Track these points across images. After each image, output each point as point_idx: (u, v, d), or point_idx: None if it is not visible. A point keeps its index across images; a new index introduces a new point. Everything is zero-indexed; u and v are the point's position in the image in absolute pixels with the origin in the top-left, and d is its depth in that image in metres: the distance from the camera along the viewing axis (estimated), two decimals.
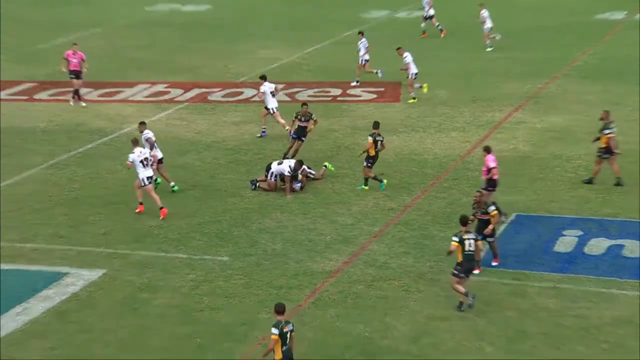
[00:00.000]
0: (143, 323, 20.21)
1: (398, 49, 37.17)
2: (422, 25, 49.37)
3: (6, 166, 29.95)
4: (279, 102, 32.96)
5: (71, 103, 36.52)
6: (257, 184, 27.86)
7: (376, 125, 27.82)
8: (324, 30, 50.45)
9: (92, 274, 22.45)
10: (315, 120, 30.13)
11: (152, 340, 19.56)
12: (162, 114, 35.04)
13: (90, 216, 26.05)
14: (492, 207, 22.56)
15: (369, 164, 27.43)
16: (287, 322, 17.26)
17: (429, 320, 20.24)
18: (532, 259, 23.14)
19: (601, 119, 27.76)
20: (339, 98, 37.42)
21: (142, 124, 28.09)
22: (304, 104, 30.56)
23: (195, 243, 24.22)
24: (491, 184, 24.90)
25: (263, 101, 32.65)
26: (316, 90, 38.60)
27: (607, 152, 27.51)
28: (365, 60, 39.22)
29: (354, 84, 38.98)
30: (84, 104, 36.58)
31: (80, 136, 31.94)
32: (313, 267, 22.82)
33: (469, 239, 20.49)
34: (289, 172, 27.29)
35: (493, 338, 19.50)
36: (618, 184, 27.44)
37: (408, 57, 36.33)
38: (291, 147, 30.15)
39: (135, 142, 26.25)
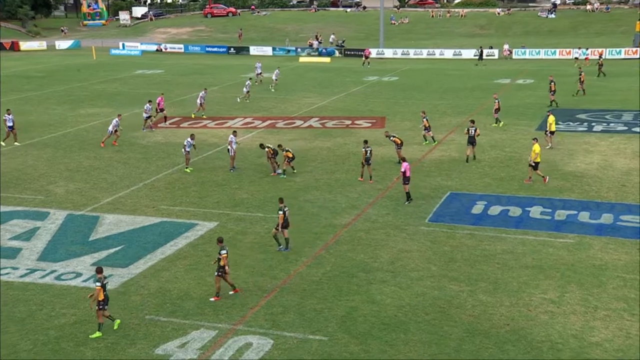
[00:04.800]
0: (239, 252, 20.31)
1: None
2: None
3: (165, 164, 30.11)
4: (313, 128, 32.49)
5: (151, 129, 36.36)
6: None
7: (365, 142, 27.29)
8: (341, 87, 50.23)
9: (211, 225, 22.56)
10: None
11: (244, 261, 19.68)
12: (249, 135, 35.16)
13: (209, 192, 26.13)
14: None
15: (368, 163, 26.97)
16: (105, 277, 15.63)
17: (400, 252, 20.25)
18: (459, 217, 23.01)
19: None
20: (349, 125, 37.40)
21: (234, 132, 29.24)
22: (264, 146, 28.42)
23: (268, 208, 24.22)
24: (406, 180, 24.08)
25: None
26: (336, 121, 38.49)
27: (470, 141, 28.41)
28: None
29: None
30: (165, 123, 37.01)
31: (204, 147, 32.13)
32: (335, 222, 22.83)
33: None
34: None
35: (436, 262, 19.50)
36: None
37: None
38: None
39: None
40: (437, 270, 18.98)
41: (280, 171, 27.89)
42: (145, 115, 36.52)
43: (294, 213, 23.53)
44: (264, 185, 26.91)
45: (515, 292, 17.61)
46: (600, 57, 56.43)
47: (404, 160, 24.74)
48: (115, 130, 33.20)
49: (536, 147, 26.26)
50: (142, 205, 24.72)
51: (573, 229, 21.72)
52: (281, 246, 20.37)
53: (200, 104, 39.26)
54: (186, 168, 28.95)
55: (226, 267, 17.13)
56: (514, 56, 68.74)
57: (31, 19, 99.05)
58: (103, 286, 15.57)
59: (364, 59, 65.58)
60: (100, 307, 15.63)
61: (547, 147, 31.62)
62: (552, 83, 41.10)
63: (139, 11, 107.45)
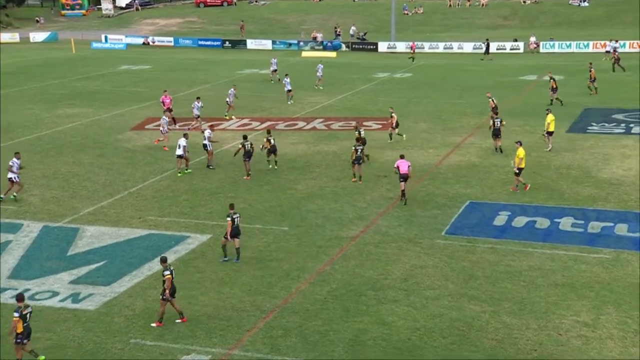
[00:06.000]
0: (235, 268, 20.35)
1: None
2: None
3: (152, 170, 30.22)
4: (318, 130, 32.91)
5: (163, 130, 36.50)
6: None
7: (358, 139, 28.64)
8: (348, 85, 50.36)
9: (203, 237, 22.60)
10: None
11: (240, 278, 19.72)
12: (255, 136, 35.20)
13: (202, 201, 26.20)
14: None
15: (358, 163, 27.76)
16: (26, 306, 15.26)
17: (414, 268, 20.27)
18: (479, 229, 23.02)
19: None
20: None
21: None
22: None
23: (266, 218, 24.30)
24: (401, 177, 25.17)
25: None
26: (343, 122, 38.54)
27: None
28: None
29: None
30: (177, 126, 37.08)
31: (197, 151, 32.09)
32: (341, 234, 22.87)
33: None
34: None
35: (454, 279, 19.50)
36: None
37: None
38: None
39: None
40: (456, 288, 18.98)
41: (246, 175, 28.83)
42: (195, 113, 36.57)
43: (295, 224, 23.60)
44: (262, 193, 26.98)
45: (544, 313, 17.59)
46: (614, 50, 56.67)
47: (402, 157, 25.55)
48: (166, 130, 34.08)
49: (520, 152, 26.35)
50: (126, 215, 24.79)
51: (609, 243, 21.70)
52: (226, 257, 20.63)
53: (230, 102, 39.65)
54: (186, 170, 29.45)
55: (167, 291, 16.86)
56: (541, 50, 68.87)
57: (2, 8, 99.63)
58: (23, 317, 14.99)
59: (411, 52, 65.71)
60: (19, 340, 15.01)
61: (547, 149, 31.77)
62: (552, 80, 41.38)
63: (123, 0, 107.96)
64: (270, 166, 29.82)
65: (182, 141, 29.20)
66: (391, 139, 33.89)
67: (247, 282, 19.45)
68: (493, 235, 22.51)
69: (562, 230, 22.88)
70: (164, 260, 17.27)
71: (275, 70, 52.63)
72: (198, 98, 37.24)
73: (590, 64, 46.87)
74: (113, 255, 21.36)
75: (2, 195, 26.37)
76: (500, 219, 23.87)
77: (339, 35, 78.26)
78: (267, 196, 26.66)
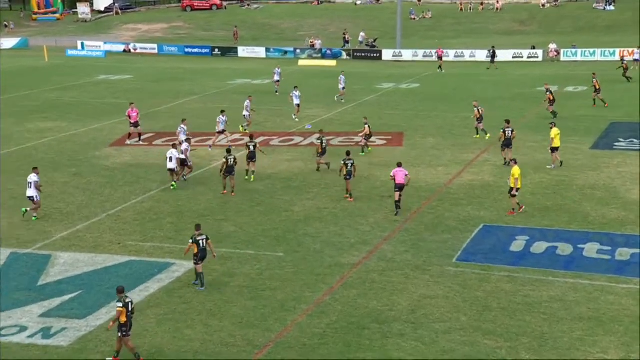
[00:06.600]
0: (224, 298, 20.34)
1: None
2: None
3: (133, 190, 30.27)
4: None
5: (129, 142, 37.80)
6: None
7: (348, 153, 29.25)
8: (349, 96, 50.39)
9: (189, 265, 22.30)
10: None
11: (230, 310, 19.69)
12: (238, 154, 35.16)
13: (188, 224, 26.11)
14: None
15: (348, 178, 28.47)
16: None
17: (422, 298, 20.24)
18: (494, 256, 23.02)
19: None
20: (360, 143, 37.46)
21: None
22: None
23: (260, 243, 24.32)
24: (399, 187, 26.49)
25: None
26: (343, 138, 38.60)
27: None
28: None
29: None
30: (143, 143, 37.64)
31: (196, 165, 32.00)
32: (342, 260, 22.87)
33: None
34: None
35: (467, 311, 19.47)
36: None
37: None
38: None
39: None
40: (468, 321, 18.95)
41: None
42: (218, 128, 36.60)
43: (291, 249, 23.60)
44: (255, 215, 27.00)
45: (567, 350, 17.55)
46: (622, 59, 57.16)
47: (399, 165, 26.92)
48: (223, 131, 35.27)
49: (515, 171, 26.52)
50: (104, 241, 24.79)
51: (639, 272, 21.71)
52: (197, 281, 20.99)
53: (244, 115, 40.04)
54: (172, 184, 30.16)
55: (111, 323, 16.98)
56: (562, 58, 69.26)
57: None
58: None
59: (438, 60, 65.58)
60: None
61: (550, 166, 31.97)
62: (549, 92, 41.81)
63: (102, 3, 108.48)
64: (247, 177, 31.02)
65: (173, 153, 29.61)
66: (363, 151, 35.07)
67: (238, 314, 19.41)
68: (510, 263, 22.51)
69: (586, 257, 22.88)
70: (119, 291, 17.19)
71: (278, 81, 52.79)
72: (223, 112, 37.20)
73: (594, 74, 47.33)
74: (89, 284, 21.31)
75: (34, 215, 27.03)
76: (518, 245, 23.87)
77: (347, 42, 78.60)
78: (260, 219, 26.67)
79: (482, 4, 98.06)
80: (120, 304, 16.91)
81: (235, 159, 29.41)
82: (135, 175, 32.37)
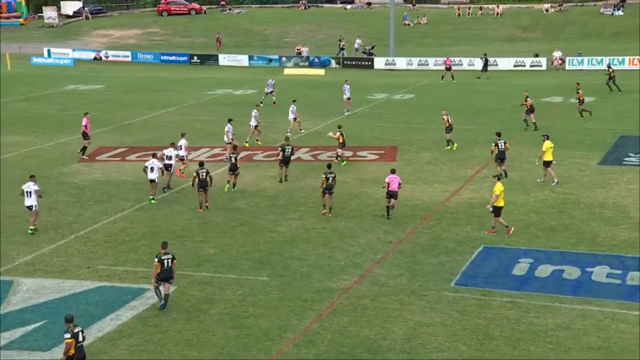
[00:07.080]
0: (203, 327, 20.26)
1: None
2: None
3: (105, 209, 30.19)
4: (303, 161, 33.58)
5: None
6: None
7: (329, 166, 29.89)
8: (339, 107, 50.55)
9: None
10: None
11: (210, 339, 19.61)
12: (219, 170, 35.17)
13: None
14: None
15: (329, 192, 28.90)
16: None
17: (418, 325, 20.23)
18: (496, 280, 23.04)
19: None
20: (350, 158, 37.52)
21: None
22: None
23: (242, 267, 24.27)
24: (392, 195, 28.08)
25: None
26: (332, 152, 38.43)
27: None
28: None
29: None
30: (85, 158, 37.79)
31: (158, 186, 31.92)
32: (331, 285, 22.85)
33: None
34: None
35: (466, 340, 19.47)
36: None
37: None
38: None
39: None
40: (468, 351, 18.95)
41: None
42: (227, 138, 36.58)
43: (276, 273, 23.56)
44: (237, 237, 26.97)
45: None
46: (609, 67, 57.73)
47: (392, 171, 28.38)
48: (231, 139, 35.75)
49: (497, 187, 26.69)
50: (72, 265, 24.67)
51: None
52: (163, 302, 21.16)
53: (256, 126, 40.12)
54: (151, 199, 30.73)
55: (62, 357, 16.71)
56: (567, 66, 69.77)
57: None
58: None
59: (446, 71, 64.64)
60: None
61: (540, 179, 32.30)
62: (528, 99, 42.57)
63: (70, 7, 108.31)
64: (226, 189, 31.85)
65: (155, 162, 30.16)
66: (337, 158, 36.39)
67: (218, 344, 19.34)
68: (512, 287, 22.54)
69: (595, 281, 22.94)
70: (68, 320, 16.98)
71: (272, 92, 52.71)
72: (230, 120, 37.26)
73: (578, 84, 47.75)
74: (55, 313, 21.13)
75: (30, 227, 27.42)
76: (521, 268, 23.92)
77: (342, 49, 78.81)
78: (242, 240, 26.63)
79: (480, 8, 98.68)
80: (68, 335, 16.64)
81: (207, 172, 29.42)
82: (106, 194, 32.28)
